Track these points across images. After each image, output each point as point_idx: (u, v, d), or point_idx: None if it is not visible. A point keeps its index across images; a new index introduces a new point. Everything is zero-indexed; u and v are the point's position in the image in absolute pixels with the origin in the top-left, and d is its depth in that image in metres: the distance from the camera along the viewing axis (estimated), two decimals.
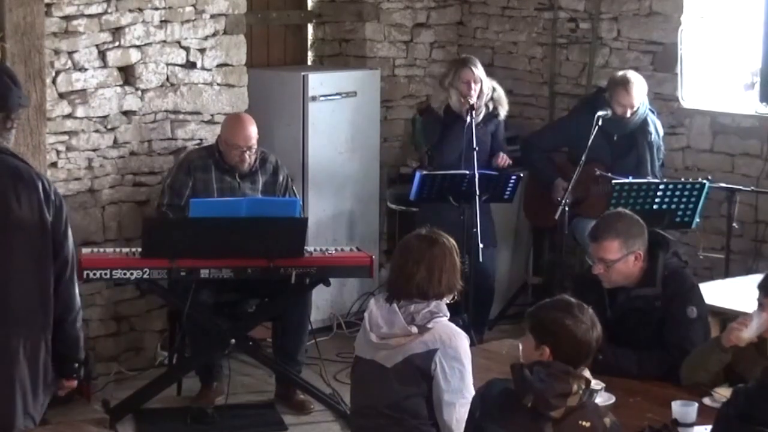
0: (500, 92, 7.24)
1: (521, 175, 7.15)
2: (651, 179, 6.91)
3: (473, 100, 6.98)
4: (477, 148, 6.85)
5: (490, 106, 7.14)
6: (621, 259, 4.75)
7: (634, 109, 7.01)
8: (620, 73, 7.15)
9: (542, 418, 3.57)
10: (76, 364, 4.31)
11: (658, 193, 6.60)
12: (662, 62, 7.64)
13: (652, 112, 7.21)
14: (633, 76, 7.06)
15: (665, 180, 6.93)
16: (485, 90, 7.10)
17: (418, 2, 8.36)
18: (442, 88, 7.18)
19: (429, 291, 4.26)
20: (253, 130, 6.42)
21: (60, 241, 4.19)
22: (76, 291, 4.28)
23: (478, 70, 7.08)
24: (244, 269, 6.09)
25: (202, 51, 7.05)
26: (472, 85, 7.02)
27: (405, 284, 4.26)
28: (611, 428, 3.63)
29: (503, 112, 7.23)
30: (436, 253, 4.28)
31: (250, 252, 6.05)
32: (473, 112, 6.96)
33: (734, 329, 4.41)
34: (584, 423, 3.58)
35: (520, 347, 3.88)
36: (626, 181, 6.68)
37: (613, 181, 6.64)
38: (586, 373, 4.40)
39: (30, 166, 4.26)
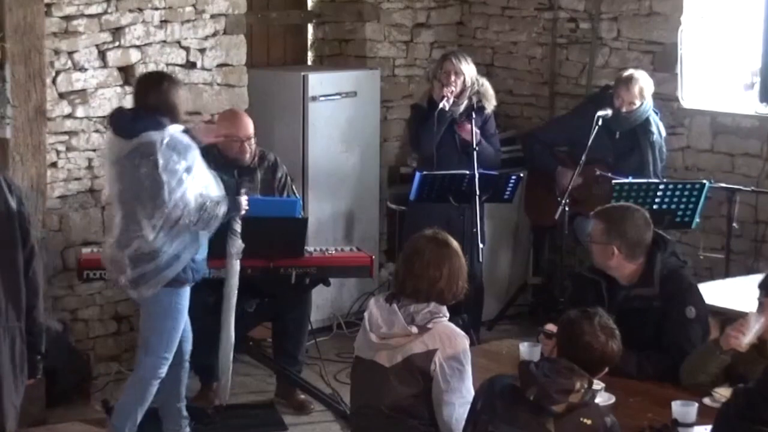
0: (487, 86, 7.22)
1: (521, 175, 7.15)
2: (653, 179, 6.92)
3: (451, 89, 6.98)
4: (477, 149, 6.85)
5: (474, 99, 7.12)
6: (599, 243, 4.81)
7: (633, 107, 7.03)
8: (630, 70, 7.18)
9: (544, 412, 3.61)
10: (38, 357, 4.37)
11: (658, 193, 6.60)
12: (662, 62, 7.64)
13: (656, 113, 7.22)
14: (638, 74, 7.09)
15: (665, 180, 6.94)
16: (468, 84, 7.09)
17: (418, 2, 8.36)
18: (427, 81, 7.22)
19: (448, 295, 4.27)
20: (249, 122, 6.44)
21: (26, 229, 4.26)
22: (42, 278, 4.38)
23: (461, 63, 7.07)
24: (244, 269, 6.08)
25: (202, 51, 7.05)
26: (452, 76, 7.02)
27: (428, 288, 4.23)
28: (611, 428, 3.67)
29: (490, 106, 7.21)
30: (453, 257, 4.29)
31: (250, 252, 6.05)
32: (452, 100, 6.98)
33: (731, 337, 4.40)
34: (586, 420, 3.61)
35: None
36: (626, 181, 6.69)
37: (614, 181, 6.65)
38: None
39: None
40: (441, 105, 6.98)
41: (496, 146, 7.34)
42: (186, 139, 5.43)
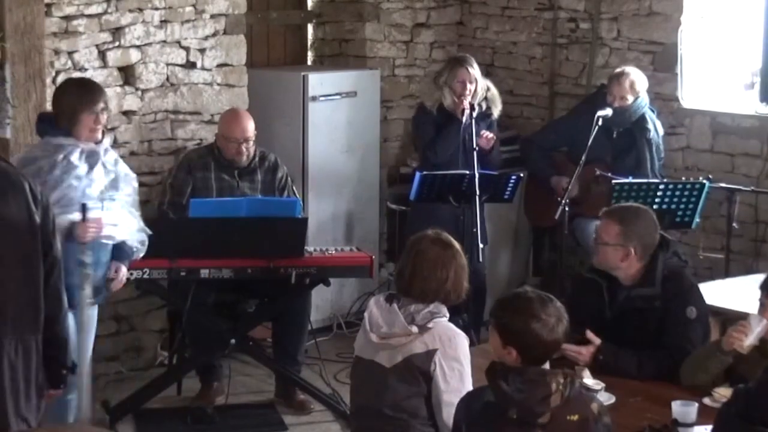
0: (494, 92, 7.21)
1: (521, 175, 7.15)
2: (651, 178, 6.92)
3: (468, 101, 6.97)
4: (477, 148, 6.85)
5: (483, 106, 7.12)
6: (612, 245, 4.76)
7: (625, 102, 7.03)
8: (622, 67, 7.22)
9: (530, 426, 3.54)
10: (64, 371, 4.33)
11: (658, 193, 6.60)
12: (662, 62, 7.64)
13: (652, 111, 7.22)
14: (629, 70, 7.12)
15: (665, 180, 6.94)
16: (480, 90, 7.09)
17: (418, 2, 8.36)
18: (436, 87, 7.17)
19: (454, 296, 4.29)
20: (249, 124, 6.44)
21: (49, 241, 4.21)
22: (64, 290, 4.31)
23: (474, 70, 7.06)
24: (244, 269, 6.09)
25: (202, 51, 7.05)
26: (467, 85, 7.00)
27: (436, 289, 4.24)
28: (600, 413, 3.60)
29: (496, 111, 7.21)
30: (458, 257, 4.30)
31: (250, 252, 6.05)
32: (473, 113, 6.95)
33: (734, 338, 4.40)
34: (572, 417, 3.54)
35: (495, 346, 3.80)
36: (626, 181, 6.69)
37: (613, 181, 6.65)
38: (586, 373, 4.43)
39: (14, 167, 4.28)
40: (464, 120, 6.93)
41: (498, 150, 7.33)
42: (37, 160, 5.08)
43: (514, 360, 3.63)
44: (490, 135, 7.05)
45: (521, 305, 3.67)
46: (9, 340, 4.09)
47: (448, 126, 7.05)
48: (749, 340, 4.36)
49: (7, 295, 4.10)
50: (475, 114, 6.97)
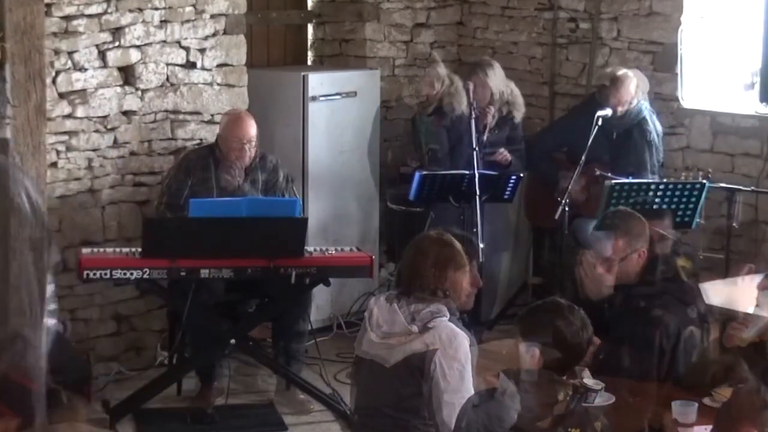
0: (516, 94, 7.20)
1: (521, 175, 7.15)
2: (651, 179, 6.92)
3: (490, 113, 6.95)
4: (476, 148, 6.85)
5: (504, 111, 7.12)
6: (625, 258, 4.75)
7: (625, 106, 7.03)
8: (623, 69, 7.20)
9: (530, 430, 3.53)
10: None
11: (658, 193, 6.60)
12: (662, 62, 7.64)
13: (651, 112, 7.22)
14: (631, 73, 7.11)
15: (665, 180, 6.94)
16: (497, 95, 7.07)
17: (418, 2, 8.36)
18: (452, 93, 7.15)
19: (452, 295, 4.30)
20: (252, 125, 6.45)
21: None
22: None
23: (488, 77, 7.05)
24: (244, 269, 6.09)
25: (202, 51, 7.05)
26: (480, 90, 6.99)
27: (434, 289, 4.25)
28: None
29: (519, 115, 7.21)
30: (457, 257, 4.31)
31: (250, 252, 6.05)
32: (472, 113, 6.94)
33: (736, 329, 4.41)
34: (573, 430, 3.54)
35: (519, 350, 3.84)
36: (625, 181, 6.69)
37: (613, 181, 6.65)
38: (586, 373, 4.42)
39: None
40: (486, 136, 6.90)
41: (522, 154, 7.33)
42: None
43: (535, 364, 3.64)
44: (506, 154, 7.04)
45: (548, 306, 3.83)
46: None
47: (463, 134, 7.04)
48: (749, 332, 4.38)
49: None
50: (492, 121, 6.97)
